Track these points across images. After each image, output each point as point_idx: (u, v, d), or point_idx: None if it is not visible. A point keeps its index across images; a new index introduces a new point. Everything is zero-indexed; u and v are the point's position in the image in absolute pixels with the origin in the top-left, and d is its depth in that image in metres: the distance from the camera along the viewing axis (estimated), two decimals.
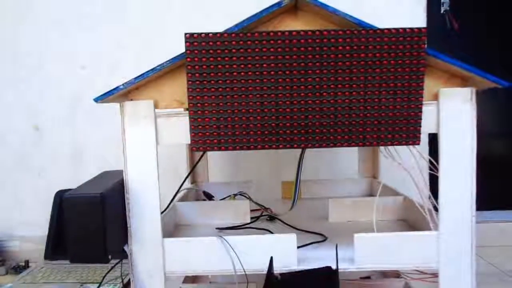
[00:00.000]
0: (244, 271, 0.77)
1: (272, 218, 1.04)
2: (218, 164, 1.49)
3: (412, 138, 0.74)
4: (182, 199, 1.09)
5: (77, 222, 0.69)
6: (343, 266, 0.77)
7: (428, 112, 0.74)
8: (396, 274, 1.03)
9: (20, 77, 1.51)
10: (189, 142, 0.75)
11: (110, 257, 0.71)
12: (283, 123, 0.73)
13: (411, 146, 0.76)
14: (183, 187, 1.07)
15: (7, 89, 1.51)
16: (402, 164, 0.80)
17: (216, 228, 0.97)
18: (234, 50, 0.71)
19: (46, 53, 1.50)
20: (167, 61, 0.73)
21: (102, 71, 1.48)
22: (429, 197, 0.82)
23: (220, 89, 0.72)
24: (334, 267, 0.73)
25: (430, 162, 0.77)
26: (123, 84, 0.73)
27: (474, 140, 0.75)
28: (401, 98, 0.73)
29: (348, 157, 1.46)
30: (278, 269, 0.76)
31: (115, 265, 0.89)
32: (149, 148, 0.76)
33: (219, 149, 0.74)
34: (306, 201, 1.22)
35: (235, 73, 0.72)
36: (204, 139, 0.74)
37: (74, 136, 1.51)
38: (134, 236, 0.77)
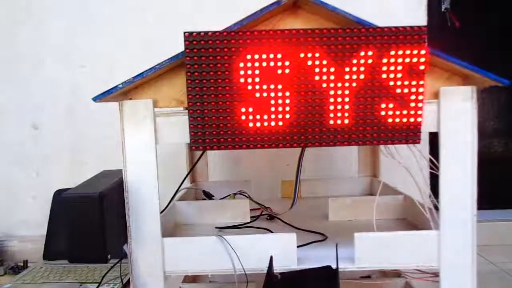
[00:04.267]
0: (244, 271, 0.77)
1: (272, 217, 1.04)
2: (217, 163, 1.49)
3: (412, 137, 0.74)
4: (182, 198, 1.09)
5: (76, 222, 0.69)
6: (343, 266, 0.76)
7: (428, 110, 0.74)
8: (397, 274, 1.03)
9: (19, 76, 1.50)
10: (189, 141, 0.74)
11: (109, 256, 0.71)
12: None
13: (411, 145, 0.76)
14: (182, 186, 1.07)
15: (6, 88, 1.51)
16: (402, 163, 0.80)
17: (216, 228, 0.96)
18: (233, 49, 0.71)
19: (45, 52, 1.50)
20: (166, 60, 0.73)
21: (101, 70, 1.48)
22: (430, 196, 0.82)
23: (220, 88, 0.72)
24: (334, 266, 0.73)
25: (431, 161, 0.77)
26: (122, 83, 0.73)
27: (475, 138, 0.75)
28: (401, 96, 0.72)
29: (348, 156, 1.46)
30: (278, 268, 0.76)
31: (114, 265, 0.88)
32: (149, 148, 0.76)
33: (219, 148, 0.74)
34: (306, 200, 1.22)
35: (234, 72, 0.72)
36: (203, 138, 0.74)
37: (73, 135, 1.51)
38: (134, 236, 0.77)
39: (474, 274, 0.77)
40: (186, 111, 0.74)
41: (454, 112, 0.75)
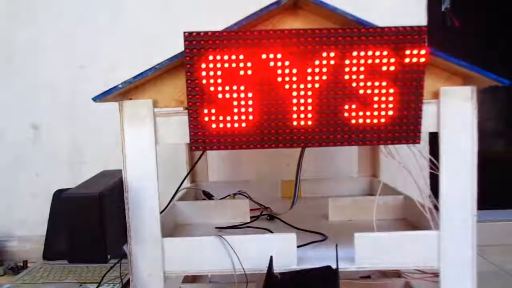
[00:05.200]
0: (244, 271, 0.77)
1: (271, 217, 1.04)
2: (217, 163, 1.49)
3: (412, 137, 0.74)
4: (182, 198, 1.09)
5: (76, 222, 0.69)
6: (343, 266, 0.76)
7: (428, 110, 0.74)
8: (397, 274, 1.03)
9: (18, 76, 1.50)
10: (189, 141, 0.74)
11: (109, 256, 0.71)
12: (283, 122, 0.73)
13: (411, 145, 0.76)
14: (182, 187, 1.06)
15: (5, 88, 1.50)
16: (402, 163, 0.80)
17: (216, 228, 0.96)
18: (233, 49, 0.71)
19: (45, 52, 1.49)
20: (166, 60, 0.73)
21: (101, 70, 1.48)
22: (430, 196, 0.82)
23: (219, 88, 0.72)
24: (334, 266, 0.73)
25: (431, 161, 0.77)
26: (122, 83, 0.73)
27: (474, 138, 0.75)
28: (401, 96, 0.72)
29: (348, 156, 1.45)
30: (278, 268, 0.76)
31: (114, 265, 0.89)
32: (148, 148, 0.76)
33: (219, 148, 0.74)
34: (306, 200, 1.22)
35: (234, 72, 0.71)
36: (203, 138, 0.74)
37: (73, 135, 1.51)
38: (134, 236, 0.77)
39: (474, 274, 0.77)
40: (186, 111, 0.74)
41: (454, 112, 0.75)
